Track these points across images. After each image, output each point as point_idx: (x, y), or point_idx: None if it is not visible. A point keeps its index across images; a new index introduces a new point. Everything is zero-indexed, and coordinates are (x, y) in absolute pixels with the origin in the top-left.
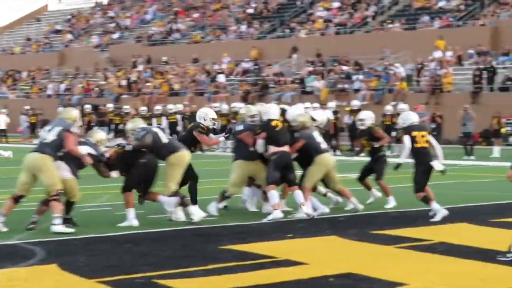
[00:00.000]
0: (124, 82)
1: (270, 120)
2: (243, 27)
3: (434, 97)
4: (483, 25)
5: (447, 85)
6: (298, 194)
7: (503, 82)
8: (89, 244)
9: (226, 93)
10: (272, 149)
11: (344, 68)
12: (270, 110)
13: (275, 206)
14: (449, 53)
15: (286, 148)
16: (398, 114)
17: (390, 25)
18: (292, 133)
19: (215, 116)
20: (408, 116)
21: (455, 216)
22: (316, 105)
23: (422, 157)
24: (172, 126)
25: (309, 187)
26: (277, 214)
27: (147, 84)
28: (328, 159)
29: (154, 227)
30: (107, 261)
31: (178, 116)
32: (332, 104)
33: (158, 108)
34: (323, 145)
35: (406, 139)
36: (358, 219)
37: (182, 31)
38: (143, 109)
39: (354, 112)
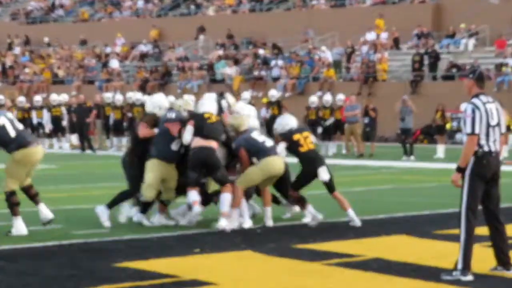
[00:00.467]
0: None
1: (203, 112)
2: (140, 3)
3: (367, 87)
4: (423, 1)
5: (382, 72)
6: (224, 198)
7: (448, 69)
8: None
9: (120, 81)
10: (195, 142)
11: (261, 52)
12: (205, 102)
13: (194, 203)
14: (384, 35)
15: (211, 144)
16: (325, 107)
17: (315, 2)
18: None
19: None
20: (286, 121)
21: (391, 227)
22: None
23: (310, 162)
24: (56, 120)
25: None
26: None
27: (26, 70)
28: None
29: (34, 241)
30: None
31: (63, 109)
32: (247, 94)
33: (38, 99)
34: (268, 143)
35: (281, 146)
36: (279, 231)
37: (67, 7)
38: (21, 100)
39: (273, 104)
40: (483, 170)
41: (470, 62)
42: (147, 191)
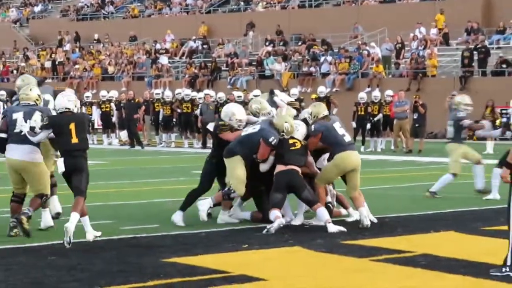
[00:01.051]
0: (48, 64)
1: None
2: None
3: (416, 83)
4: None
5: (432, 68)
6: (321, 212)
7: (497, 65)
8: (4, 257)
9: (169, 77)
10: (277, 167)
11: (310, 48)
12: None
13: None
14: (433, 31)
15: (293, 167)
16: (373, 103)
17: None
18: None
19: (243, 117)
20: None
21: (439, 223)
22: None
23: None
24: (105, 116)
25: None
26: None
27: (76, 66)
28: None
29: (82, 237)
30: (27, 276)
31: (113, 105)
32: (296, 90)
33: (88, 95)
34: (347, 138)
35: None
36: (326, 227)
37: (117, 3)
38: None
39: (321, 100)
40: None
41: None
42: (240, 187)
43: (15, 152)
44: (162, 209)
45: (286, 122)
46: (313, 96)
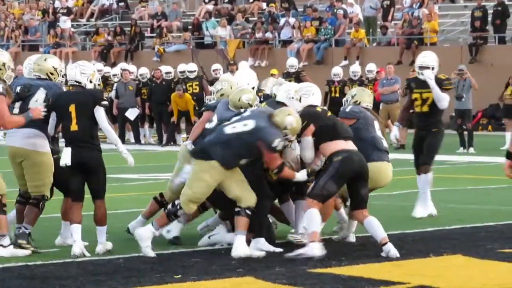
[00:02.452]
0: None
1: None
2: None
3: (411, 54)
4: None
5: (431, 33)
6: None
7: None
8: None
9: (73, 46)
10: (333, 145)
11: (265, 6)
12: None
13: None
14: None
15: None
16: (352, 81)
17: None
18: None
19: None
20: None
21: (442, 244)
22: (217, 66)
23: None
24: None
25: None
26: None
27: None
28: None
29: None
30: None
31: None
32: (246, 64)
33: None
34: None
35: None
36: (291, 249)
37: None
38: None
39: (291, 76)
40: None
41: None
42: (191, 205)
43: (14, 137)
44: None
45: (289, 115)
46: (274, 71)
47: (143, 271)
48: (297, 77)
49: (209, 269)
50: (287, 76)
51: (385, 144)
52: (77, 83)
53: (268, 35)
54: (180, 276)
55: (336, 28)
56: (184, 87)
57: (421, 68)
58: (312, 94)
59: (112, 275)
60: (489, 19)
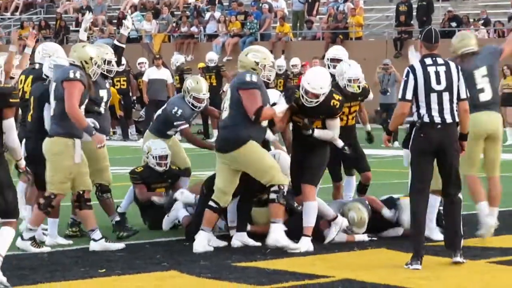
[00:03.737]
0: None
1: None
2: None
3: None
4: None
5: (357, 28)
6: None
7: (444, 23)
8: None
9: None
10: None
11: (190, 0)
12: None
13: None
14: None
15: None
16: (277, 75)
17: None
18: None
19: None
20: None
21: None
22: (143, 60)
23: None
24: None
25: None
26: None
27: None
28: None
29: None
30: None
31: None
32: (177, 59)
33: None
34: None
35: None
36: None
37: None
38: None
39: (210, 71)
40: (422, 144)
41: (476, 12)
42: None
43: None
44: None
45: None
46: (201, 64)
47: (67, 265)
48: (217, 72)
49: (134, 263)
50: (207, 71)
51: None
52: None
53: (194, 29)
54: (104, 270)
55: (262, 22)
56: (110, 81)
57: (333, 60)
58: None
59: (36, 269)
60: (414, 13)
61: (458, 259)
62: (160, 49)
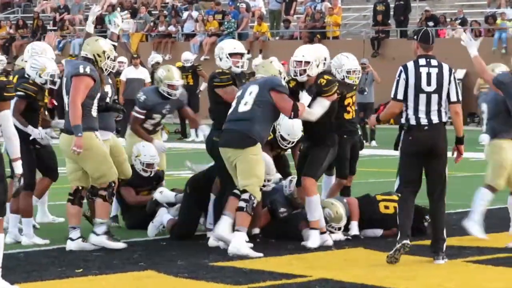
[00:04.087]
0: None
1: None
2: None
3: None
4: None
5: (334, 27)
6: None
7: (421, 23)
8: None
9: None
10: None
11: (168, 0)
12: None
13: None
14: None
15: None
16: (253, 74)
17: None
18: None
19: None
20: None
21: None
22: (123, 59)
23: None
24: None
25: None
26: None
27: None
28: None
29: None
30: None
31: None
32: (153, 58)
33: None
34: None
35: None
36: (193, 244)
37: None
38: None
39: (187, 71)
40: (411, 147)
41: (453, 12)
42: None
43: None
44: None
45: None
46: (178, 64)
47: (44, 265)
48: (193, 71)
49: (111, 263)
50: (183, 70)
51: None
52: None
53: (171, 28)
54: (81, 270)
55: (239, 21)
56: None
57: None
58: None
59: (13, 269)
60: (391, 13)
61: (440, 261)
62: (137, 48)
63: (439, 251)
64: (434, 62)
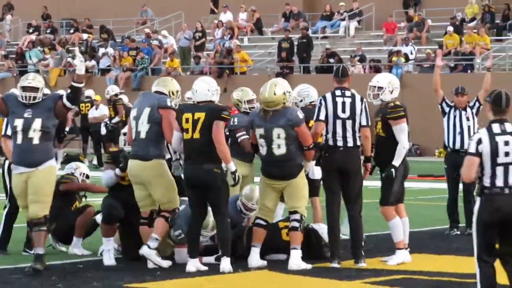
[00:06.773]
0: None
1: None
2: None
3: (223, 82)
4: None
5: (241, 63)
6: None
7: (323, 59)
8: None
9: None
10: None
11: (85, 36)
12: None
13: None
14: (243, 16)
15: None
16: None
17: None
18: None
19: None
20: None
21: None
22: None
23: None
24: None
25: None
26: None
27: None
28: None
29: None
30: None
31: None
32: (112, 89)
33: None
34: None
35: None
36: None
37: None
38: None
39: (109, 103)
40: (327, 163)
41: (352, 49)
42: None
43: None
44: None
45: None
46: (97, 97)
47: (82, 278)
48: (113, 104)
49: (30, 285)
50: (108, 103)
51: None
52: None
53: (88, 63)
54: None
55: (152, 57)
56: (76, 108)
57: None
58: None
59: None
60: (295, 50)
61: (362, 264)
62: (56, 82)
63: (359, 256)
64: (348, 93)
